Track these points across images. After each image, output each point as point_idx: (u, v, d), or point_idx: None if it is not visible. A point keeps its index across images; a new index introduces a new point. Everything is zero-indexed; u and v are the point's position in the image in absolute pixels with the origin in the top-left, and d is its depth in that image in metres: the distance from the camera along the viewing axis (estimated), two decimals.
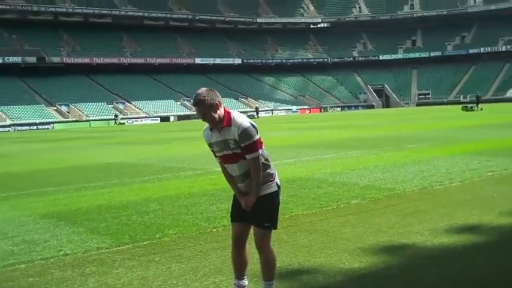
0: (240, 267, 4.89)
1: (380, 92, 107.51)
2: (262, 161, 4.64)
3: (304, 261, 6.03)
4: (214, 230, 7.68)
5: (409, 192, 9.88)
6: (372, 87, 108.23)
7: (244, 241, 4.86)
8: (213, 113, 4.50)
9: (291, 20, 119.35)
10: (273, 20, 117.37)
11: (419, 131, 27.40)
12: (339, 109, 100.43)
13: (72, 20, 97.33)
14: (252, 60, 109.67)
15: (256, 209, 4.67)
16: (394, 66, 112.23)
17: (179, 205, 9.65)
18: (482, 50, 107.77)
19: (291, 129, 36.72)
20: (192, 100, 4.61)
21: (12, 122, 74.08)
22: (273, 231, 4.78)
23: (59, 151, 26.51)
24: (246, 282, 4.92)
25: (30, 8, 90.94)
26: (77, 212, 9.49)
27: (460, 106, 61.49)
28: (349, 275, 5.47)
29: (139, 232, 7.73)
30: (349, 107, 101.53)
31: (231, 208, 4.97)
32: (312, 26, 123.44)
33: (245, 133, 4.51)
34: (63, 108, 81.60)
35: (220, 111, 4.55)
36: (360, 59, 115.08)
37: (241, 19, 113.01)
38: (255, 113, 79.45)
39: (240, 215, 4.80)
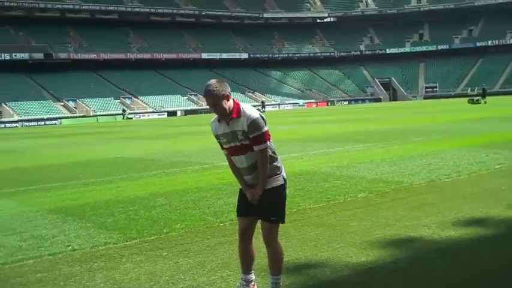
0: (247, 262, 4.88)
1: (387, 86, 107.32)
2: (270, 153, 4.63)
3: (311, 255, 6.03)
4: (222, 224, 7.68)
5: (416, 185, 9.86)
6: (379, 81, 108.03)
7: (251, 235, 4.85)
8: (223, 104, 4.50)
9: (298, 14, 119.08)
10: (279, 15, 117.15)
11: (426, 124, 27.33)
12: (346, 103, 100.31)
13: (79, 17, 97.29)
14: (258, 55, 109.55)
15: (262, 202, 4.65)
16: (401, 59, 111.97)
17: (186, 200, 9.66)
18: (489, 43, 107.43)
19: (297, 123, 36.68)
20: (202, 91, 4.60)
21: (20, 118, 74.28)
22: (280, 225, 4.76)
23: (66, 146, 26.57)
24: (253, 276, 4.91)
25: (37, 4, 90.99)
26: (85, 207, 9.52)
27: (467, 99, 61.40)
28: (356, 269, 5.47)
29: (147, 227, 7.75)
30: (356, 101, 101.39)
31: (237, 202, 4.96)
32: (318, 21, 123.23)
33: (254, 124, 4.51)
34: (71, 104, 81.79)
35: (230, 103, 4.55)
36: (367, 52, 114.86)
37: (248, 14, 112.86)
38: (261, 107, 79.36)
39: (247, 210, 4.78)
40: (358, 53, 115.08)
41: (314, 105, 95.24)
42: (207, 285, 5.25)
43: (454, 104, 57.07)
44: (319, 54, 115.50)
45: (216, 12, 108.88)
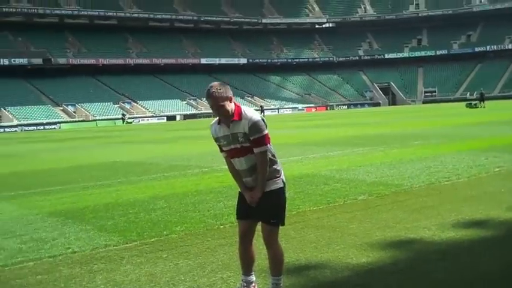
0: (247, 264, 4.89)
1: (386, 90, 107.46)
2: (270, 156, 4.64)
3: (311, 256, 6.04)
4: (222, 226, 7.69)
5: (416, 188, 9.87)
6: (378, 85, 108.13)
7: (250, 238, 4.86)
8: (226, 106, 4.53)
9: (296, 20, 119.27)
10: (278, 21, 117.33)
11: (425, 128, 27.34)
12: (345, 107, 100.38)
13: (78, 22, 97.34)
14: (257, 60, 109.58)
15: (261, 205, 4.66)
16: (400, 64, 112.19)
17: (186, 202, 9.67)
18: (488, 48, 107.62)
19: (297, 127, 36.69)
20: (205, 93, 4.61)
21: (19, 123, 74.29)
22: (281, 227, 4.78)
23: (66, 151, 26.57)
24: (253, 278, 4.92)
25: (35, 10, 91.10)
26: (85, 210, 9.52)
27: (465, 103, 61.59)
28: (356, 270, 5.48)
29: (147, 229, 7.75)
30: (355, 105, 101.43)
31: (236, 205, 4.96)
32: (317, 26, 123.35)
33: (255, 126, 4.53)
34: (70, 109, 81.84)
35: (232, 105, 4.58)
36: (366, 57, 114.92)
37: (246, 20, 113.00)
38: (260, 112, 79.34)
39: (246, 213, 4.79)
40: (357, 58, 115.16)
41: (313, 110, 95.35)
42: (207, 287, 5.25)
43: (453, 108, 57.11)
44: (318, 59, 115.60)
45: (214, 18, 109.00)
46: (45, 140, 39.44)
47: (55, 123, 76.05)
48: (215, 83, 4.60)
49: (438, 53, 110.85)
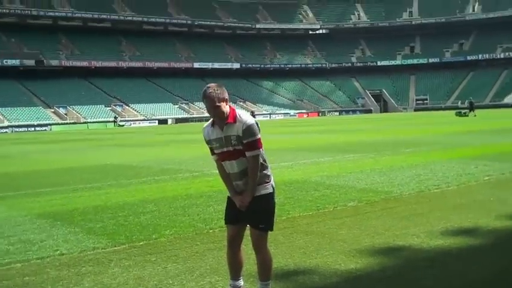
0: (235, 268, 4.88)
1: (378, 97, 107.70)
2: (261, 161, 4.64)
3: (300, 262, 6.03)
4: (211, 231, 7.67)
5: (405, 195, 9.89)
6: (370, 92, 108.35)
7: (239, 243, 4.85)
8: (222, 107, 4.54)
9: (290, 26, 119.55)
10: (271, 26, 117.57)
11: (416, 135, 27.40)
12: (337, 113, 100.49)
13: (71, 24, 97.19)
14: (250, 65, 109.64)
15: (251, 209, 4.66)
16: (392, 72, 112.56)
17: (176, 206, 9.64)
18: (480, 56, 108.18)
19: (288, 132, 36.70)
20: (201, 94, 4.61)
21: (10, 124, 74.07)
22: (269, 232, 4.78)
23: (57, 152, 26.45)
24: (241, 282, 4.92)
25: (29, 12, 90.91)
26: (74, 213, 9.48)
27: (455, 112, 61.87)
28: (345, 277, 5.48)
29: (136, 232, 7.73)
30: (347, 112, 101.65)
31: (225, 210, 4.96)
32: (310, 32, 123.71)
33: (249, 130, 4.53)
34: (61, 111, 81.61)
35: (227, 108, 4.58)
36: (358, 64, 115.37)
37: (240, 25, 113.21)
38: None
39: (235, 217, 4.78)
40: (350, 64, 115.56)
41: (305, 116, 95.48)
42: None
43: (444, 116, 57.31)
44: (310, 65, 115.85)
45: (208, 22, 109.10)
46: (36, 142, 39.30)
47: (46, 125, 75.87)
48: (212, 84, 4.60)
49: (430, 60, 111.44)
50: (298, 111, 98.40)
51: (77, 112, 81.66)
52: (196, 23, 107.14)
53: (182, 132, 44.67)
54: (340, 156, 17.66)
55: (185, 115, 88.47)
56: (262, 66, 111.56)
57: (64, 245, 7.18)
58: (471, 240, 6.71)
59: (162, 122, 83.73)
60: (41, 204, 10.62)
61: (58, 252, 6.86)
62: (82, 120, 79.74)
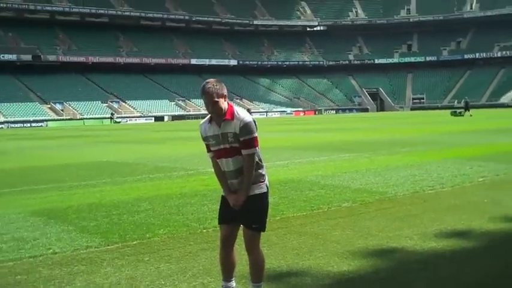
0: (228, 269, 4.87)
1: (375, 96, 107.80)
2: (256, 160, 4.63)
3: (293, 263, 6.02)
4: (205, 230, 7.66)
5: (400, 196, 9.89)
6: (366, 91, 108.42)
7: (232, 243, 4.84)
8: (220, 103, 4.51)
9: (288, 22, 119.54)
10: (269, 23, 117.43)
11: (413, 135, 27.42)
12: (333, 112, 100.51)
13: (69, 19, 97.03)
14: (247, 62, 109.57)
15: (244, 209, 4.64)
16: (389, 70, 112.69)
17: (170, 205, 9.62)
18: (477, 55, 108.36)
19: (284, 131, 36.69)
20: (200, 90, 4.57)
21: (6, 119, 73.93)
22: (262, 233, 4.76)
23: (52, 149, 26.42)
24: (234, 284, 4.90)
25: (26, 6, 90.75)
26: (68, 210, 9.45)
27: (450, 111, 62.00)
28: (338, 278, 5.47)
29: (129, 231, 7.71)
30: (344, 110, 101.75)
31: (219, 210, 4.94)
32: (308, 29, 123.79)
33: (246, 127, 4.51)
34: (58, 106, 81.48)
35: (225, 104, 4.55)
36: (356, 62, 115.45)
37: (238, 21, 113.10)
38: None
39: (229, 217, 4.76)
40: (347, 62, 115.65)
41: (302, 114, 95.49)
42: None
43: (440, 115, 57.37)
44: (308, 62, 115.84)
45: (206, 18, 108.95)
46: (32, 138, 39.24)
47: (42, 121, 75.74)
48: (211, 79, 4.57)
49: (428, 59, 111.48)
50: (294, 109, 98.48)
51: (74, 108, 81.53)
52: (194, 19, 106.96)
53: (178, 130, 44.67)
54: (336, 155, 17.65)
55: (182, 112, 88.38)
56: (259, 63, 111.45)
57: (57, 244, 7.16)
58: (464, 242, 6.71)
59: (159, 118, 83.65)
60: (36, 201, 10.60)
61: (51, 250, 6.85)
62: (78, 116, 79.64)
